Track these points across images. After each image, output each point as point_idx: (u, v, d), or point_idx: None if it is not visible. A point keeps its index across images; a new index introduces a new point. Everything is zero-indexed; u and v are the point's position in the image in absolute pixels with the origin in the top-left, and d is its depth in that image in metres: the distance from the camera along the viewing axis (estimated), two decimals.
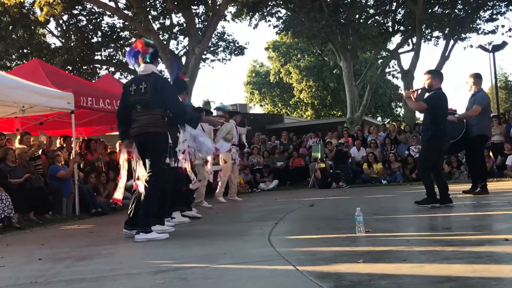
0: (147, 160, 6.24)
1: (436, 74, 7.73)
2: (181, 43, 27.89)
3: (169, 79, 6.73)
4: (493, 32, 26.57)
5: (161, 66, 27.57)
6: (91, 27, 25.98)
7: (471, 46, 28.58)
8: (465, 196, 8.95)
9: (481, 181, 9.16)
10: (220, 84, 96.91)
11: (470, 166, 9.97)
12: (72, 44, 25.33)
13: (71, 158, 10.67)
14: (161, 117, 6.17)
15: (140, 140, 6.24)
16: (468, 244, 4.28)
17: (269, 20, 27.14)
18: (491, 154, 13.90)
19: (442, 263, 3.59)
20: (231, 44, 28.58)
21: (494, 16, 26.15)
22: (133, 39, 26.64)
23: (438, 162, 7.73)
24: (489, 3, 25.31)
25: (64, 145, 11.73)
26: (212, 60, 28.52)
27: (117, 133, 15.43)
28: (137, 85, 6.16)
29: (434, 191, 7.42)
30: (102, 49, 26.63)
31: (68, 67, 24.55)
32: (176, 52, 26.46)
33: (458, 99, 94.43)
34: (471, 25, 26.15)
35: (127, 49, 6.98)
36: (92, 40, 26.03)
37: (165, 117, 6.25)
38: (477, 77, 9.37)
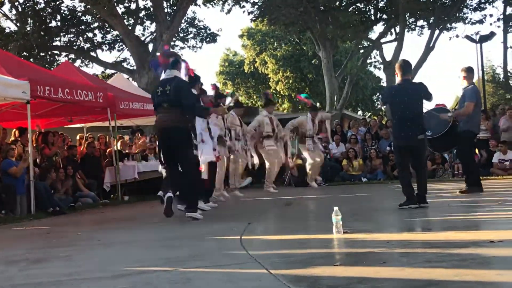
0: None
1: (396, 67, 7.89)
2: (148, 29, 27.73)
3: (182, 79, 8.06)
4: (480, 22, 26.89)
5: (126, 54, 27.49)
6: (49, 11, 25.65)
7: (457, 36, 28.91)
8: (454, 195, 9.07)
9: (473, 178, 9.36)
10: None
11: (462, 164, 10.12)
12: (28, 29, 24.97)
13: (25, 153, 10.52)
14: (181, 114, 7.65)
15: (165, 133, 7.82)
16: (451, 246, 4.33)
17: (244, 6, 27.11)
18: (476, 151, 14.05)
19: (423, 266, 3.62)
20: (202, 30, 28.50)
21: (482, 5, 26.48)
22: (96, 24, 26.41)
23: (420, 160, 7.78)
24: None
25: (19, 138, 11.56)
26: (182, 48, 28.47)
27: (77, 125, 15.43)
28: (163, 87, 7.74)
29: (410, 191, 7.47)
30: (62, 34, 26.33)
31: (24, 53, 24.23)
32: (143, 38, 26.26)
33: (443, 91, 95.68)
34: (457, 14, 26.44)
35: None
36: (51, 25, 25.68)
37: (185, 114, 7.74)
38: (469, 71, 9.51)
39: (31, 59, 23.81)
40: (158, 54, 8.80)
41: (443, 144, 9.68)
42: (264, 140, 12.74)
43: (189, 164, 7.75)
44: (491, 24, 28.63)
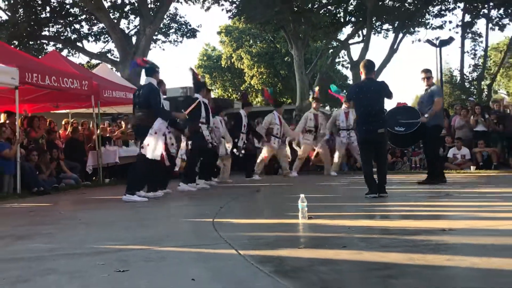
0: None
1: (361, 67, 7.91)
2: (132, 23, 27.50)
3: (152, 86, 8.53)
4: (440, 27, 27.24)
5: (111, 45, 27.17)
6: (39, 2, 25.19)
7: (419, 40, 29.22)
8: (411, 186, 9.18)
9: (437, 171, 9.62)
10: (170, 66, 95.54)
11: (427, 156, 10.26)
12: (19, 19, 24.51)
13: (15, 136, 10.35)
14: (146, 114, 8.35)
15: (135, 129, 9.19)
16: (406, 233, 4.38)
17: (222, 4, 26.93)
18: None
19: (380, 251, 3.66)
20: (183, 26, 28.32)
21: (443, 12, 26.82)
22: (83, 16, 26.04)
23: (382, 153, 7.82)
24: None
25: (7, 122, 11.37)
26: (163, 42, 28.24)
27: (63, 111, 15.23)
28: (138, 91, 8.75)
29: (372, 181, 7.52)
30: (50, 25, 25.90)
31: (14, 41, 23.82)
32: (127, 31, 25.98)
33: (404, 91, 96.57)
34: (420, 20, 26.71)
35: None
36: (40, 15, 25.24)
37: (150, 115, 8.34)
38: (429, 72, 9.77)
39: (21, 48, 23.41)
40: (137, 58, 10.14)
41: (405, 141, 9.90)
42: (304, 133, 13.55)
43: (141, 155, 8.38)
44: (450, 30, 29.13)
